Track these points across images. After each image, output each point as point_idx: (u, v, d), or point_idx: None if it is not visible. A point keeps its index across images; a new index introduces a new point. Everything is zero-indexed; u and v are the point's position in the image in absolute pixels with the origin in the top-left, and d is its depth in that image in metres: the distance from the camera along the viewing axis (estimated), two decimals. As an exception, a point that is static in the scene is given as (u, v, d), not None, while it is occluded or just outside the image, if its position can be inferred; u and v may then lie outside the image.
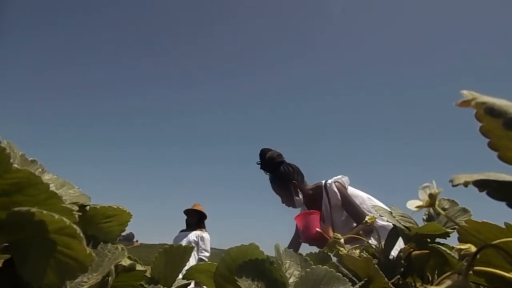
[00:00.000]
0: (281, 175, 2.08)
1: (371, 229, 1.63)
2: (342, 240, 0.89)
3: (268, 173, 2.13)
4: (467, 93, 0.30)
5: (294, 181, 2.08)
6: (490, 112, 0.27)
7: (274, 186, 2.12)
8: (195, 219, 3.78)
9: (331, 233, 1.80)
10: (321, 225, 1.90)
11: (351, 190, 2.06)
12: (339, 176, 2.07)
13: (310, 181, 2.17)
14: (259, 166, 2.13)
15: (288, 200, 2.11)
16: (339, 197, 1.99)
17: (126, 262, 0.48)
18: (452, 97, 0.32)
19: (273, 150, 2.14)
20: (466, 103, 0.30)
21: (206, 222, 3.87)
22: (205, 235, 3.70)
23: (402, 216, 0.73)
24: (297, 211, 2.15)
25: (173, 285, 0.64)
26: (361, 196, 2.03)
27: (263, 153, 2.12)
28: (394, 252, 0.76)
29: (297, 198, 2.08)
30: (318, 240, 1.77)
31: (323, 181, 2.08)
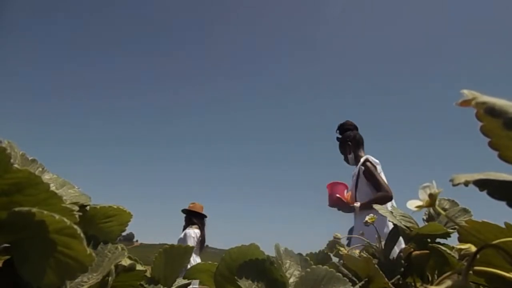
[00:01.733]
0: (343, 137, 2.73)
1: (389, 196, 2.23)
2: (342, 240, 0.89)
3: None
4: (467, 93, 0.30)
5: (349, 142, 2.68)
6: (491, 112, 0.27)
7: (339, 145, 2.76)
8: (187, 218, 3.90)
9: (350, 199, 2.39)
10: (346, 192, 2.46)
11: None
12: (375, 160, 2.53)
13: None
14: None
15: (345, 157, 2.72)
16: (361, 166, 2.50)
17: (126, 262, 0.48)
18: (452, 97, 0.32)
19: (352, 122, 2.81)
20: (466, 102, 0.30)
21: (207, 221, 3.91)
22: (188, 231, 3.74)
23: (403, 216, 0.73)
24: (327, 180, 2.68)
25: (173, 285, 0.64)
26: None
27: (340, 124, 2.79)
28: (394, 252, 0.76)
29: (349, 156, 2.66)
30: (338, 204, 2.46)
31: (367, 155, 2.59)
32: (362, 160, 2.54)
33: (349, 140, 2.68)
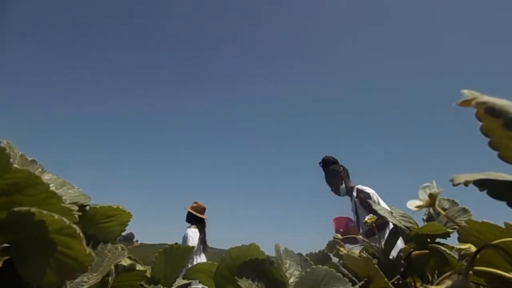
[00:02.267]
0: (331, 169, 2.85)
1: (385, 222, 2.11)
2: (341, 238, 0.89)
3: (323, 169, 2.90)
4: (467, 93, 0.30)
5: (340, 172, 2.80)
6: (491, 112, 0.27)
7: (325, 176, 2.88)
8: (187, 218, 3.92)
9: (354, 231, 2.47)
10: (350, 225, 2.57)
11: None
12: (366, 187, 2.67)
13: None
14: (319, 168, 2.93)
15: (335, 188, 2.81)
16: (356, 198, 2.63)
17: (126, 262, 0.48)
18: (452, 96, 0.32)
19: (332, 156, 2.94)
20: (466, 102, 0.30)
21: (208, 221, 3.92)
22: (187, 230, 3.76)
23: (402, 216, 0.73)
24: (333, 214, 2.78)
25: (173, 285, 0.64)
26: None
27: (323, 158, 2.93)
28: (394, 252, 0.76)
29: (341, 186, 2.72)
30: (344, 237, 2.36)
31: (356, 185, 2.73)
32: (355, 192, 2.69)
33: (341, 171, 2.82)
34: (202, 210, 3.93)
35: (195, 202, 3.96)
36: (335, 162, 2.93)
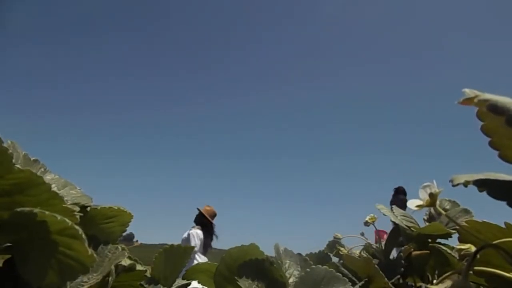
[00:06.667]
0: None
1: None
2: (342, 240, 0.89)
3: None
4: (469, 91, 0.30)
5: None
6: (494, 109, 0.27)
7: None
8: (196, 219, 3.89)
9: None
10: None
11: None
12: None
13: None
14: None
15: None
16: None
17: (126, 262, 0.48)
18: (452, 95, 0.32)
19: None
20: (468, 101, 0.30)
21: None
22: (191, 231, 3.74)
23: (403, 216, 0.73)
24: None
25: (173, 285, 0.64)
26: None
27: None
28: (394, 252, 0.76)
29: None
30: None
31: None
32: None
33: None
34: (213, 215, 3.90)
35: (208, 206, 3.91)
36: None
